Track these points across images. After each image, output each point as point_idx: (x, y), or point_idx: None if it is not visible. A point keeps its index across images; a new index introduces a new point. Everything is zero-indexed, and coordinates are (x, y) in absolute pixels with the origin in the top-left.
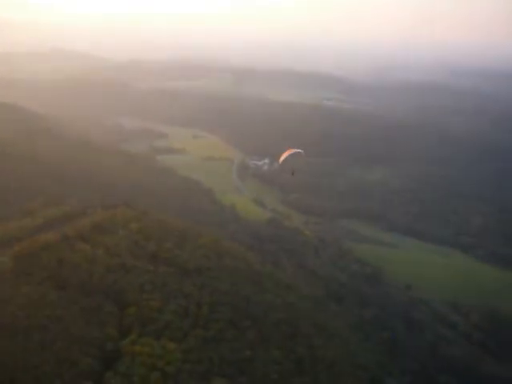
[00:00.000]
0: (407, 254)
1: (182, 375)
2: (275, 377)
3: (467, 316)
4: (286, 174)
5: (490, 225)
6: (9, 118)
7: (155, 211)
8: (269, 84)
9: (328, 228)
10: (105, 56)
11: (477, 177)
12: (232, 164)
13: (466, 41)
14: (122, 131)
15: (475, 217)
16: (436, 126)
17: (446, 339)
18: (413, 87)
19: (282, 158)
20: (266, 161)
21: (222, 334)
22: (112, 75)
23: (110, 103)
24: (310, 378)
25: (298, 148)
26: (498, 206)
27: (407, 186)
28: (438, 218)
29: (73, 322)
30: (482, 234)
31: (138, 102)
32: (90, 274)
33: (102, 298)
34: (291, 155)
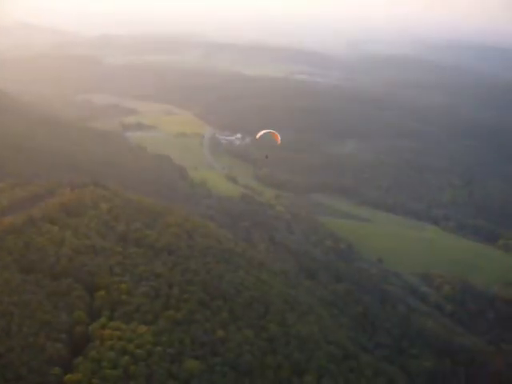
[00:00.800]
0: (379, 227)
1: (153, 358)
2: (248, 357)
3: (439, 288)
4: (258, 150)
5: (461, 197)
6: None
7: (125, 190)
8: (241, 58)
9: (301, 203)
10: (74, 30)
11: (448, 150)
12: (204, 140)
13: (439, 13)
14: (93, 108)
15: (446, 190)
16: (408, 100)
17: (419, 312)
18: (385, 60)
19: (259, 134)
20: (238, 136)
21: (193, 315)
22: (82, 50)
23: (79, 79)
24: (283, 357)
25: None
26: (467, 178)
27: (379, 159)
28: (409, 192)
29: (40, 307)
30: (452, 206)
31: (109, 78)
32: (58, 256)
33: (70, 281)
34: (267, 134)
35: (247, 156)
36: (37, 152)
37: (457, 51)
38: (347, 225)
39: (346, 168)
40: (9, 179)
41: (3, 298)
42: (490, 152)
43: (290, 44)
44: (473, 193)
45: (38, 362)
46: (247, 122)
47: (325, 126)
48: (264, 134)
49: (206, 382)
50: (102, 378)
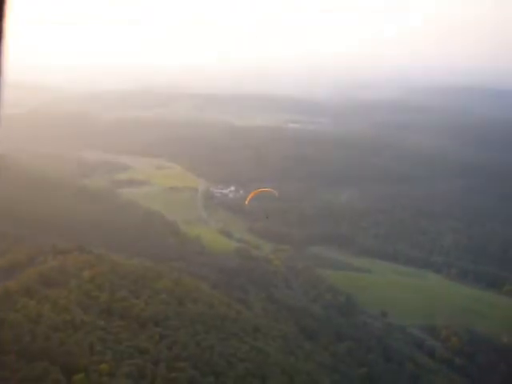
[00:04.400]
0: (380, 278)
1: None
2: None
3: (445, 340)
4: (253, 202)
5: (461, 242)
6: None
7: (113, 252)
8: (231, 109)
9: (298, 256)
10: (63, 86)
11: (443, 194)
12: (197, 193)
13: (424, 57)
14: (84, 165)
15: (445, 235)
16: (399, 144)
17: (427, 369)
18: (374, 106)
19: (248, 199)
20: (232, 188)
21: None
22: (72, 106)
23: (71, 136)
24: None
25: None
26: (467, 222)
27: (375, 206)
28: (409, 239)
29: None
30: (454, 251)
31: (101, 134)
32: (34, 335)
33: (46, 363)
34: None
35: (242, 209)
36: (21, 215)
37: (444, 93)
38: (347, 276)
39: (343, 217)
40: None
41: None
42: (486, 193)
43: (280, 93)
44: (473, 237)
45: None
46: (241, 173)
47: (319, 174)
48: (252, 196)
49: None
50: None
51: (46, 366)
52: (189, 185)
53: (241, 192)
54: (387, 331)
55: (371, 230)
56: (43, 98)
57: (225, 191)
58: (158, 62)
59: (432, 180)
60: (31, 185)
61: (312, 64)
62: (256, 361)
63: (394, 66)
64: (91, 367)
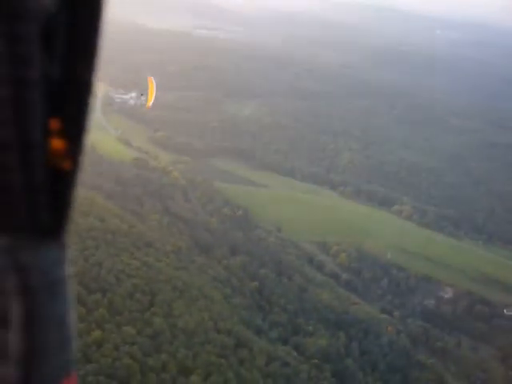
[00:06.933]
0: (278, 193)
1: None
2: (127, 360)
3: (335, 256)
4: (155, 110)
5: (358, 161)
6: None
7: None
8: (136, 8)
9: (198, 168)
10: None
11: (347, 113)
12: (95, 98)
13: None
14: None
15: (344, 153)
16: (307, 59)
17: (315, 283)
18: (285, 17)
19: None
20: (133, 94)
21: None
22: None
23: None
24: (168, 355)
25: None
26: (364, 141)
27: (278, 121)
28: (308, 155)
29: None
30: (350, 170)
31: None
32: None
33: None
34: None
35: (142, 117)
36: None
37: (362, 10)
38: (246, 191)
39: (245, 130)
40: None
41: None
42: (385, 114)
43: None
44: (370, 157)
45: None
46: (143, 79)
47: (224, 85)
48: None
49: None
50: None
51: None
52: None
53: (142, 98)
54: (281, 246)
55: (272, 145)
56: None
57: (125, 97)
58: None
59: (337, 98)
60: None
61: None
62: (146, 277)
63: None
64: None
